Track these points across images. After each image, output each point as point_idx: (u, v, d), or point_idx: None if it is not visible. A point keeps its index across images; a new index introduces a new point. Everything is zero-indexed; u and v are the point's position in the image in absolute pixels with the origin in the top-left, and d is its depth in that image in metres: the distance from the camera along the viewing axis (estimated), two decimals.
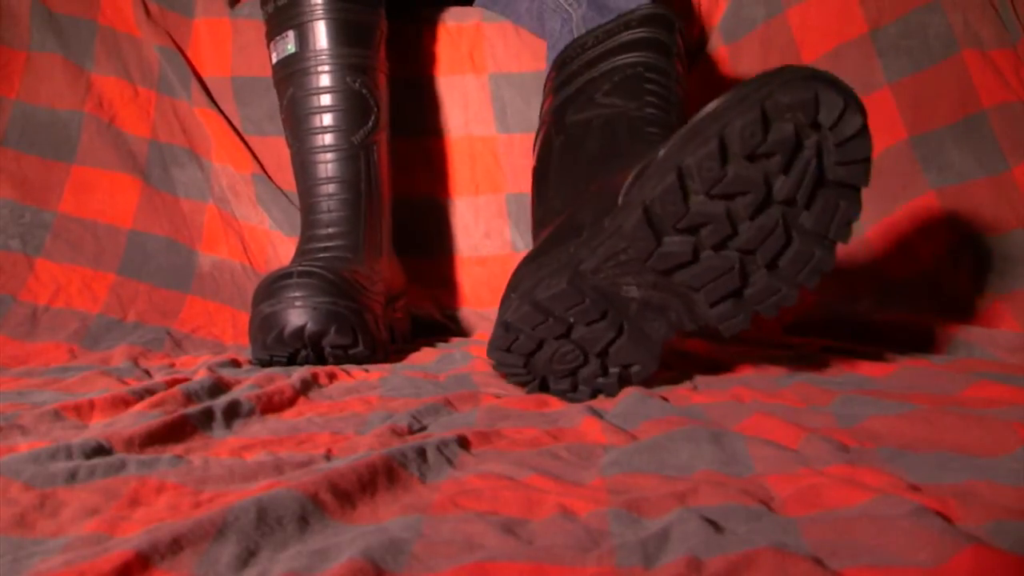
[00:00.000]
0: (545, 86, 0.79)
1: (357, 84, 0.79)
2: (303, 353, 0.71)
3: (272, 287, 0.70)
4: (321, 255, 0.77)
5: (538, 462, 0.42)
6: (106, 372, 0.66)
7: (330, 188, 0.80)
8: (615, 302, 0.55)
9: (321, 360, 0.72)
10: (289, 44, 0.81)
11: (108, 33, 0.98)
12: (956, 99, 0.87)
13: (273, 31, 0.83)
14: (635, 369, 0.58)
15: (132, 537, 0.31)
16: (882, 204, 0.87)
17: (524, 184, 0.95)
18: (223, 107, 0.98)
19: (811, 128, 0.49)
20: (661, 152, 0.52)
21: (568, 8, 0.80)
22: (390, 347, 0.78)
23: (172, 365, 0.73)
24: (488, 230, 0.97)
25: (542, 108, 0.78)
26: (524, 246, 0.95)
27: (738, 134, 0.49)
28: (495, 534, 0.32)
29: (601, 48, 0.73)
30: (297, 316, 0.69)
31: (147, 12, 0.98)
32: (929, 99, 0.88)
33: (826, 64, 0.92)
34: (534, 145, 0.78)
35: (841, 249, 0.87)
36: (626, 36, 0.72)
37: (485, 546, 0.31)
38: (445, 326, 0.94)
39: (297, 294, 0.69)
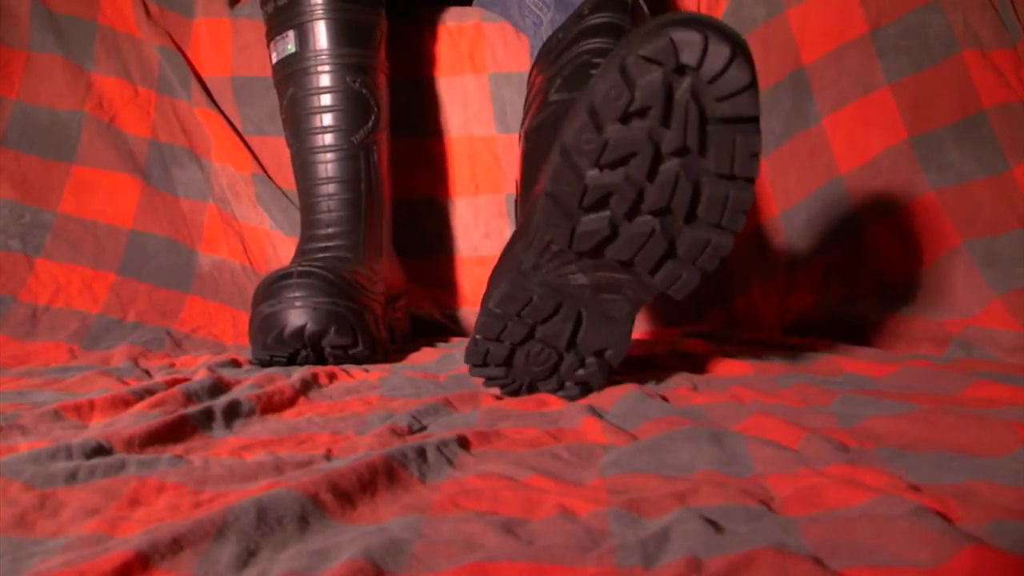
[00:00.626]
0: (527, 87, 0.79)
1: (357, 84, 0.79)
2: (303, 353, 0.71)
3: (272, 287, 0.70)
4: (321, 255, 0.77)
5: (538, 462, 0.42)
6: (106, 372, 0.66)
7: (330, 188, 0.80)
8: (567, 293, 0.55)
9: (321, 360, 0.72)
10: (289, 44, 0.81)
11: (108, 33, 0.98)
12: (956, 99, 0.87)
13: (273, 31, 0.82)
14: (609, 353, 0.57)
15: (132, 537, 0.31)
16: (882, 204, 0.87)
17: None
18: (223, 107, 0.98)
19: (677, 73, 0.47)
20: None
21: (539, 12, 0.80)
22: (390, 347, 0.78)
23: (172, 365, 0.73)
24: (488, 230, 0.97)
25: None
26: None
27: (604, 99, 0.48)
28: (495, 534, 0.32)
29: (559, 48, 0.73)
30: (297, 316, 0.69)
31: (147, 12, 0.98)
32: (929, 99, 0.88)
33: (826, 64, 0.92)
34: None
35: (841, 249, 0.88)
36: (580, 26, 0.72)
37: (485, 546, 0.31)
38: (445, 326, 0.94)
39: (297, 294, 0.69)
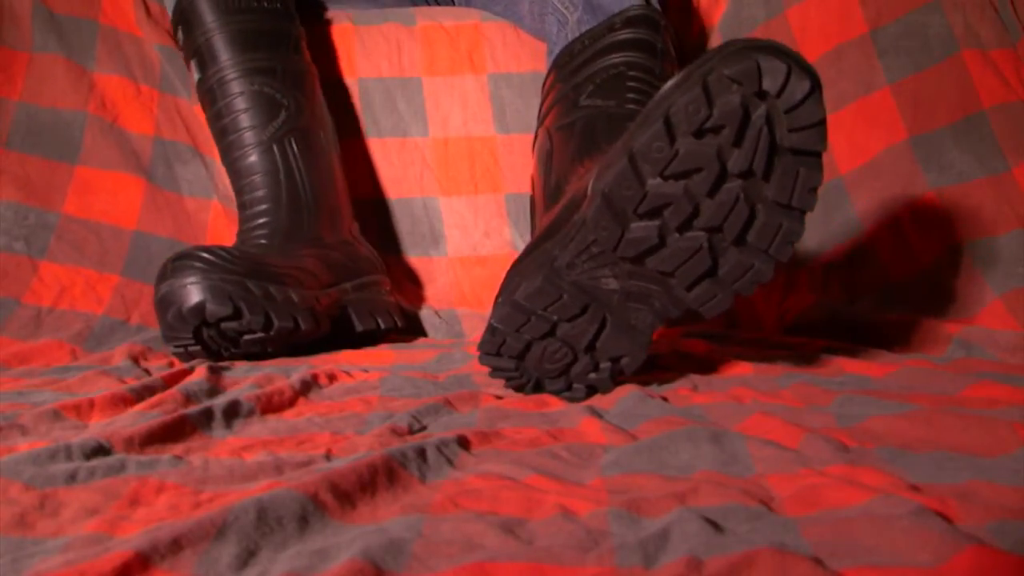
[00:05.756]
0: (542, 90, 0.80)
1: (256, 85, 0.83)
2: (206, 332, 0.72)
3: (158, 275, 0.73)
4: (239, 239, 0.81)
5: (538, 462, 0.42)
6: (106, 372, 0.66)
7: (251, 182, 0.83)
8: (596, 296, 0.55)
9: (223, 336, 0.73)
10: (195, 73, 0.85)
11: (109, 32, 0.98)
12: (956, 99, 0.87)
13: (186, 65, 0.87)
14: (625, 361, 0.58)
15: (132, 537, 0.31)
16: (882, 204, 0.87)
17: (523, 184, 0.95)
18: None
19: (757, 97, 0.48)
20: (619, 141, 0.53)
21: (564, 11, 0.80)
22: (323, 320, 0.78)
23: (172, 364, 0.73)
24: (488, 230, 0.97)
25: (539, 113, 0.79)
26: (524, 245, 0.95)
27: (682, 111, 0.49)
28: (495, 534, 0.33)
29: (589, 52, 0.74)
30: (180, 296, 0.70)
31: (147, 11, 0.98)
32: (929, 99, 0.88)
33: (827, 64, 0.92)
34: (532, 148, 0.78)
35: (841, 250, 0.88)
36: (611, 38, 0.73)
37: (485, 546, 0.32)
38: (444, 326, 0.94)
39: (176, 275, 0.71)
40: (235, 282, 0.71)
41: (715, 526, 0.32)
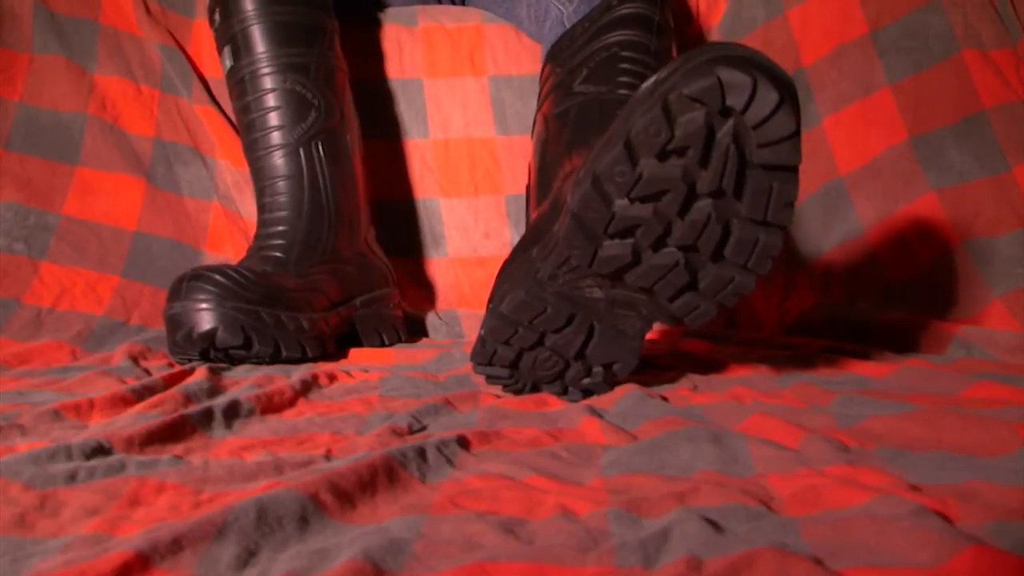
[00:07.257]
0: (540, 77, 0.79)
1: (288, 83, 0.81)
2: (212, 353, 0.72)
3: (170, 291, 0.72)
4: (252, 255, 0.79)
5: (538, 462, 0.42)
6: (106, 372, 0.66)
7: (273, 185, 0.81)
8: (582, 305, 0.55)
9: (229, 359, 0.73)
10: (227, 60, 0.83)
11: (110, 32, 0.98)
12: (956, 99, 0.87)
13: (218, 50, 0.85)
14: (617, 367, 0.57)
15: (132, 537, 0.31)
16: (882, 204, 0.87)
17: (523, 185, 0.95)
18: (224, 107, 0.98)
19: (721, 115, 0.46)
20: (588, 157, 0.51)
21: (561, 7, 0.80)
22: (328, 342, 0.77)
23: (172, 365, 0.73)
24: (488, 231, 0.97)
25: (538, 97, 0.78)
26: None
27: (642, 134, 0.47)
28: (495, 534, 0.33)
29: (587, 35, 0.72)
30: (189, 319, 0.70)
31: (147, 11, 0.98)
32: (929, 99, 0.88)
33: (826, 65, 0.92)
34: (530, 134, 0.78)
35: (841, 250, 0.88)
36: (608, 16, 0.71)
37: (485, 546, 0.32)
38: (444, 326, 0.94)
39: (189, 298, 0.70)
40: (248, 311, 0.71)
41: (715, 526, 0.32)
